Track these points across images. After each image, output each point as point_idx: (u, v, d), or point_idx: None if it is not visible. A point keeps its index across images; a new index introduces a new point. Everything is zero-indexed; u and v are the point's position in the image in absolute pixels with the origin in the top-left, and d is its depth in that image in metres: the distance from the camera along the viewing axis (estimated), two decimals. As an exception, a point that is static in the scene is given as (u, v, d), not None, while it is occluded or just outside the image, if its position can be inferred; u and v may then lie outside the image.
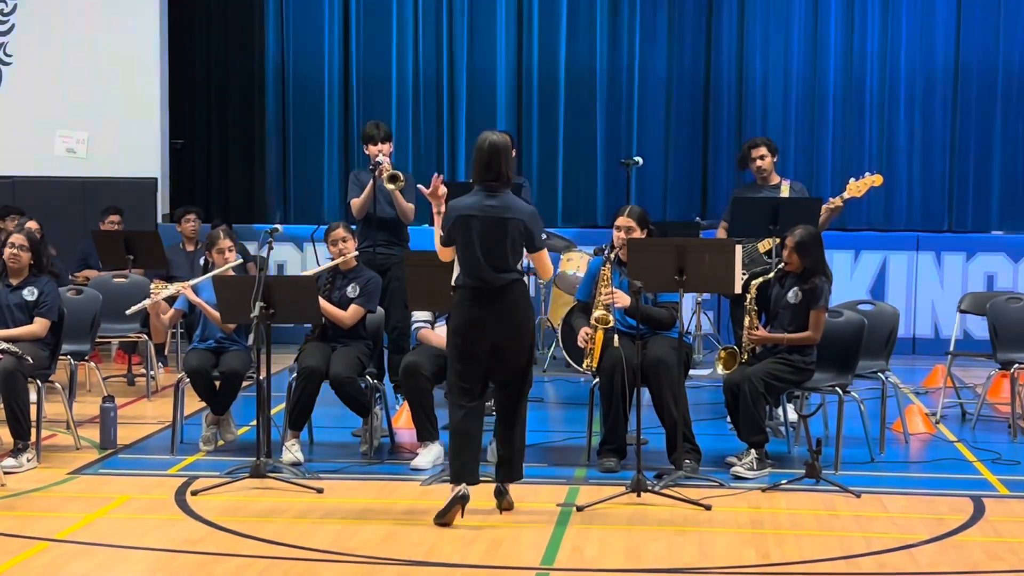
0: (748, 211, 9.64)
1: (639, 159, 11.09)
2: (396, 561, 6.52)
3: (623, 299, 8.31)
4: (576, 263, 12.14)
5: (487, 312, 7.23)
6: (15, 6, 14.67)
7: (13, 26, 14.69)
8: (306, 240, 12.79)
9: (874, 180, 9.89)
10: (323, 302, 8.72)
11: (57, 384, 8.89)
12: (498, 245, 7.24)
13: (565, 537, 6.93)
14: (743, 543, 6.87)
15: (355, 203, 10.27)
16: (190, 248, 12.95)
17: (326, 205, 15.25)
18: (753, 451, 8.23)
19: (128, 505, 7.62)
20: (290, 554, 6.65)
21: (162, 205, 14.67)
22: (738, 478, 8.13)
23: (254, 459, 7.96)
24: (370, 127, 10.28)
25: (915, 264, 13.89)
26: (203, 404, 9.12)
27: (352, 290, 8.93)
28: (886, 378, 9.10)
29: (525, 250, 7.38)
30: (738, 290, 8.34)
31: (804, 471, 7.89)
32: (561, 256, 12.38)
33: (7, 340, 8.40)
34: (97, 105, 14.53)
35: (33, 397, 8.57)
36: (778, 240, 9.17)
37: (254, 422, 8.35)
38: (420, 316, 8.88)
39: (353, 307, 8.89)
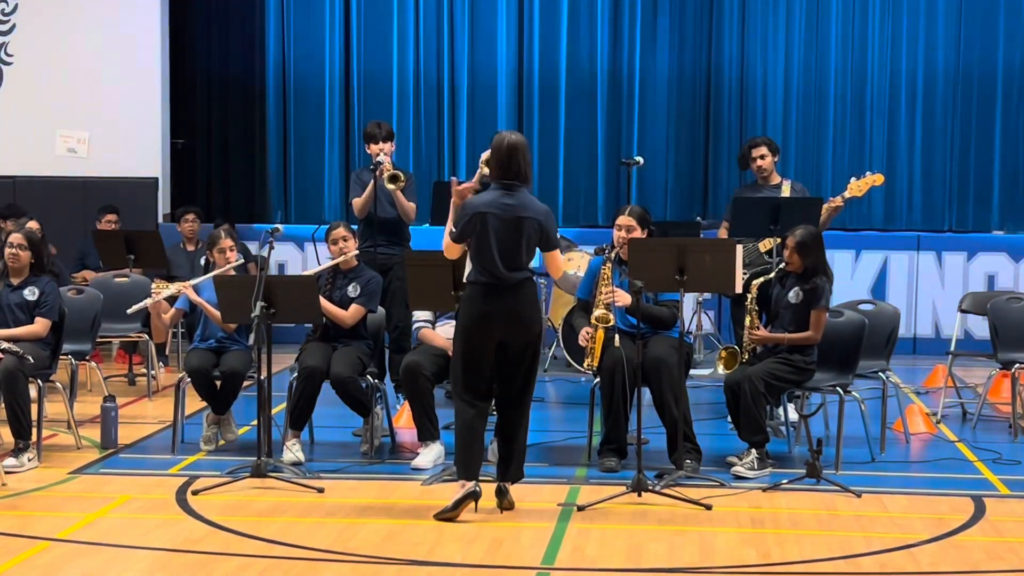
0: (749, 211, 9.64)
1: (640, 159, 11.07)
2: (397, 561, 6.52)
3: (624, 297, 8.30)
4: (577, 263, 12.13)
5: (497, 309, 7.26)
6: (16, 6, 14.67)
7: (14, 26, 14.69)
8: (307, 240, 12.80)
9: (875, 179, 9.89)
10: (324, 301, 8.72)
11: (58, 384, 8.89)
12: (513, 243, 7.28)
13: (566, 537, 6.93)
14: (744, 543, 6.87)
15: (356, 202, 10.27)
16: (191, 248, 12.95)
17: (327, 205, 15.26)
18: (754, 451, 8.23)
19: (129, 505, 7.62)
20: (291, 554, 6.65)
21: (163, 205, 14.68)
22: (739, 478, 8.13)
23: (255, 459, 7.96)
24: (371, 126, 10.29)
25: (916, 264, 13.89)
26: (204, 404, 9.11)
27: (353, 289, 8.93)
28: (887, 378, 9.10)
29: (539, 249, 7.42)
30: (739, 290, 8.34)
31: (805, 471, 7.90)
32: (562, 256, 12.36)
33: (8, 340, 8.40)
34: (98, 105, 14.54)
35: (34, 396, 8.57)
36: (779, 240, 9.17)
37: (255, 422, 8.36)
38: (421, 316, 8.88)
39: (354, 306, 8.89)
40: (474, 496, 7.25)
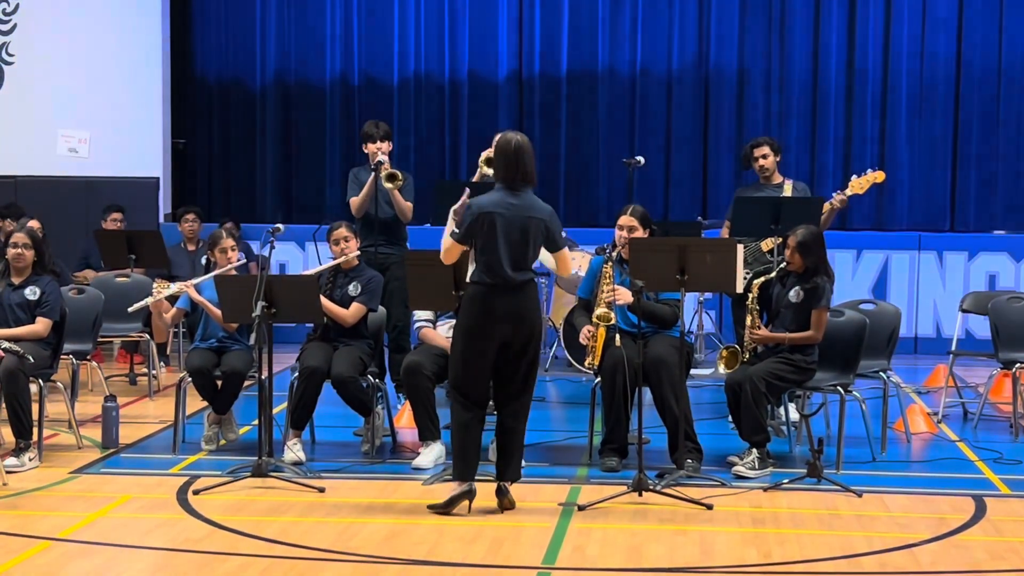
0: (750, 210, 9.65)
1: (641, 159, 11.08)
2: (398, 560, 6.52)
3: (625, 295, 8.30)
4: (578, 262, 12.13)
5: (500, 309, 7.26)
6: (17, 6, 14.68)
7: (15, 26, 14.70)
8: (308, 240, 12.80)
9: (876, 177, 9.89)
10: (325, 301, 8.71)
11: (59, 383, 8.89)
12: (520, 244, 7.29)
13: (567, 536, 6.93)
14: (745, 542, 6.87)
15: (354, 202, 10.27)
16: (191, 248, 12.96)
17: (327, 204, 15.26)
18: (755, 450, 8.23)
19: (130, 504, 7.62)
20: (292, 553, 6.65)
21: (164, 205, 14.69)
22: (740, 477, 8.13)
23: (256, 458, 7.97)
24: (369, 126, 10.29)
25: (917, 263, 13.89)
26: (205, 403, 9.11)
27: (354, 288, 8.93)
28: (888, 377, 9.11)
29: (545, 249, 7.42)
30: (740, 289, 8.34)
31: (806, 470, 7.90)
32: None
33: (8, 339, 8.40)
34: (99, 105, 14.56)
35: (35, 396, 8.57)
36: (780, 239, 9.17)
37: (256, 421, 8.36)
38: (422, 315, 8.89)
39: (355, 305, 8.89)
40: (469, 495, 7.28)
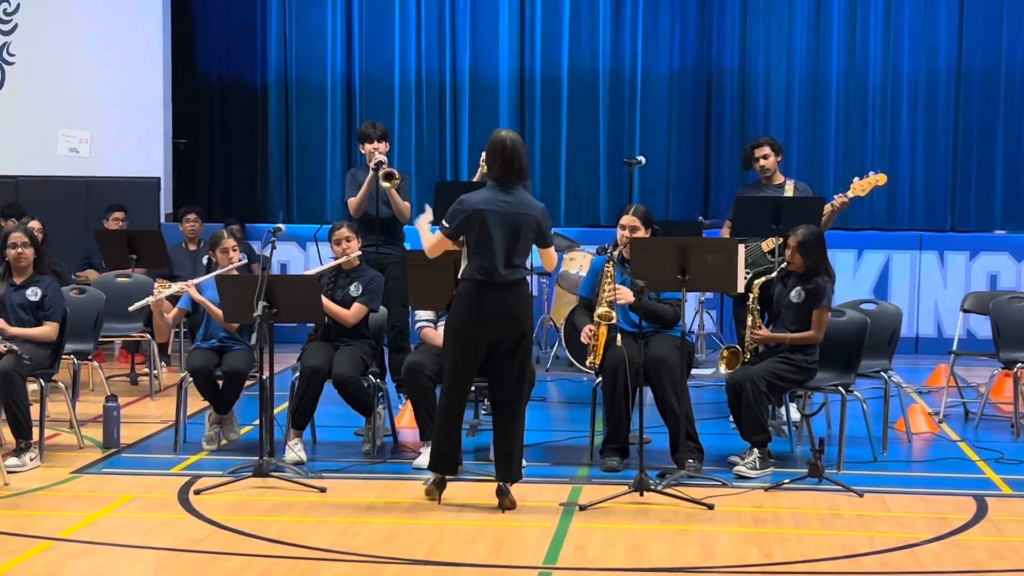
0: (751, 210, 9.64)
1: (642, 158, 11.08)
2: (399, 560, 6.52)
3: (626, 294, 8.29)
4: (579, 262, 12.14)
5: (491, 307, 7.28)
6: (18, 6, 14.68)
7: (16, 26, 14.70)
8: (309, 240, 12.79)
9: (878, 179, 9.88)
10: (326, 301, 8.71)
11: (60, 383, 8.89)
12: (513, 241, 7.31)
13: (568, 536, 6.93)
14: (746, 542, 6.87)
15: (352, 202, 10.26)
16: (192, 248, 12.96)
17: (329, 204, 15.26)
18: (756, 450, 8.23)
19: (131, 504, 7.62)
20: (293, 553, 6.65)
21: (165, 204, 14.68)
22: (741, 477, 8.13)
23: (257, 458, 7.97)
24: (366, 126, 10.28)
25: (918, 263, 13.88)
26: (206, 403, 9.12)
27: (355, 289, 8.93)
28: (889, 377, 9.10)
29: (535, 245, 7.45)
30: (741, 289, 8.34)
31: (807, 470, 7.90)
32: (564, 255, 12.37)
33: (17, 338, 8.41)
34: (100, 104, 14.55)
35: (36, 396, 8.57)
36: (781, 239, 9.17)
37: (257, 421, 8.36)
38: (423, 315, 8.88)
39: (356, 305, 8.89)
40: (441, 486, 7.47)
